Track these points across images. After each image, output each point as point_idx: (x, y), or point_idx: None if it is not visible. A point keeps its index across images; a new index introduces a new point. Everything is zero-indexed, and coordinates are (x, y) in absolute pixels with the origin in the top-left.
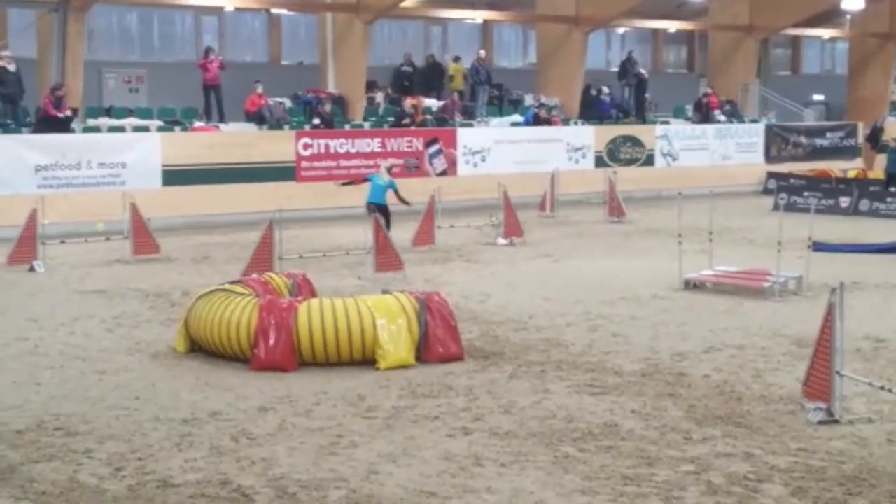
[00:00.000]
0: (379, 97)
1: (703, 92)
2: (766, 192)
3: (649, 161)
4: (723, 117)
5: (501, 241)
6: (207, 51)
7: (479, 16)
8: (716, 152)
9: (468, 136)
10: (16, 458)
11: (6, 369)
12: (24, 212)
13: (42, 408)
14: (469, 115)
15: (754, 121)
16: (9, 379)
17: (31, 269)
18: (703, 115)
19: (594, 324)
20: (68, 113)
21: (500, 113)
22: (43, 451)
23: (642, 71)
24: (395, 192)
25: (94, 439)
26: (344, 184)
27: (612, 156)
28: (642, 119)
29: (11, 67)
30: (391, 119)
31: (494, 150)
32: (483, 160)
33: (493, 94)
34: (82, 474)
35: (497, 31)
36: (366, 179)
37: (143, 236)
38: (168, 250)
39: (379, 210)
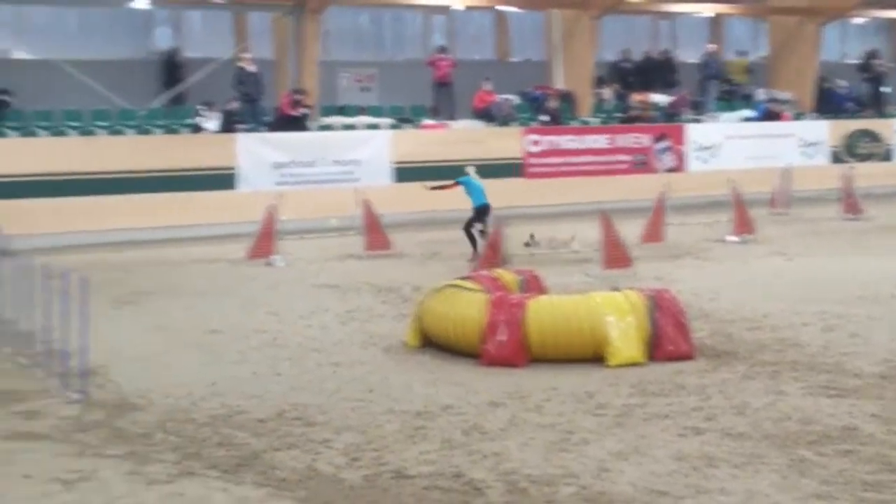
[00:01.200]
0: (606, 93)
1: None
2: None
3: (888, 156)
4: None
5: (732, 238)
6: (440, 49)
7: (709, 9)
8: None
9: (697, 132)
10: (258, 446)
11: (248, 360)
12: (263, 208)
13: (282, 398)
14: (698, 110)
15: None
16: (250, 370)
17: (270, 264)
18: None
19: (830, 324)
20: (304, 110)
21: (731, 108)
22: (283, 440)
23: (880, 62)
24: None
25: (331, 429)
26: (434, 188)
27: (848, 151)
28: (880, 113)
29: (251, 68)
30: (619, 115)
31: (725, 145)
32: (713, 156)
33: (723, 88)
34: (320, 463)
35: (727, 25)
36: (457, 183)
37: (375, 232)
38: (399, 246)
39: (486, 211)
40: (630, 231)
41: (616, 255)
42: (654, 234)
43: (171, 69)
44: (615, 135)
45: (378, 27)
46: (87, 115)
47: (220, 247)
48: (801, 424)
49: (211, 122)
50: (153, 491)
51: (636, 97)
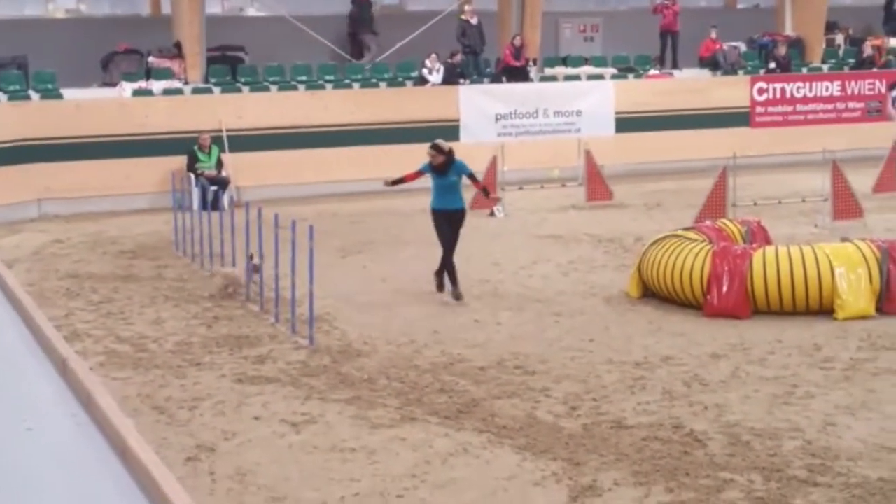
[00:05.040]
0: (839, 39)
1: None
2: None
3: None
4: None
5: None
6: None
7: None
8: None
9: None
10: (479, 393)
11: (470, 308)
12: (486, 159)
13: (502, 346)
14: None
15: None
16: (471, 318)
17: (492, 214)
18: None
19: None
20: (523, 64)
21: None
22: (503, 388)
23: None
24: (473, 177)
25: (550, 378)
26: (393, 182)
27: None
28: None
29: (473, 21)
30: (851, 61)
31: None
32: None
33: None
34: (540, 411)
35: None
36: (421, 172)
37: (596, 183)
38: (620, 197)
39: (455, 218)
40: (861, 181)
41: (846, 206)
42: (886, 183)
43: (358, 22)
44: (847, 82)
45: None
46: (315, 70)
47: None
48: None
49: (434, 74)
50: (377, 435)
51: (871, 42)
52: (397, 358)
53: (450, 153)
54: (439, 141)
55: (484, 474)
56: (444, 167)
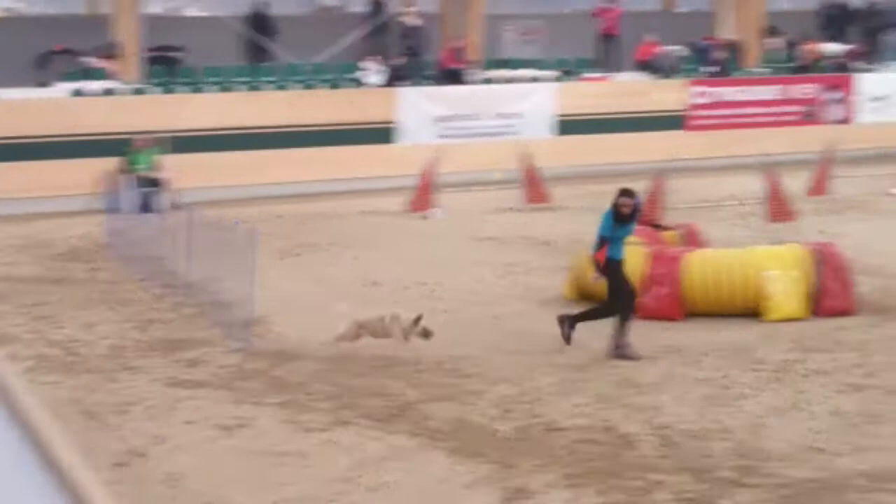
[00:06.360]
0: (776, 43)
1: None
2: None
3: None
4: None
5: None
6: (608, 0)
7: None
8: None
9: (870, 82)
10: (413, 396)
11: (407, 311)
12: (424, 161)
13: (438, 349)
14: (872, 60)
15: None
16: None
17: (426, 217)
18: None
19: None
20: (463, 67)
21: None
22: (438, 391)
23: None
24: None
25: (485, 381)
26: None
27: None
28: None
29: (415, 23)
30: (786, 65)
31: None
32: (887, 107)
33: None
34: (473, 414)
35: None
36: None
37: (534, 185)
38: (559, 199)
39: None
40: (798, 184)
41: (780, 209)
42: (819, 187)
43: (259, 25)
44: (784, 86)
45: None
46: (254, 71)
47: (381, 200)
48: None
49: (373, 76)
50: (309, 438)
51: (806, 47)
52: (332, 361)
53: None
54: (628, 186)
55: (416, 478)
56: (633, 215)
